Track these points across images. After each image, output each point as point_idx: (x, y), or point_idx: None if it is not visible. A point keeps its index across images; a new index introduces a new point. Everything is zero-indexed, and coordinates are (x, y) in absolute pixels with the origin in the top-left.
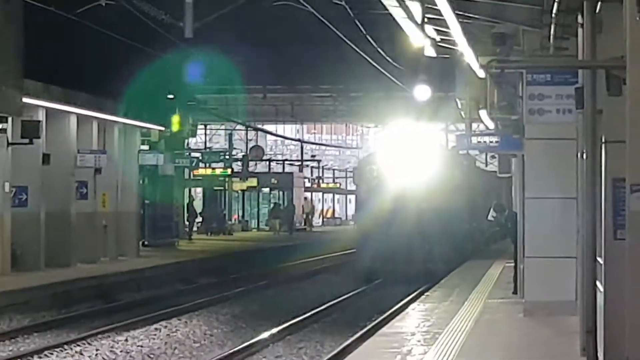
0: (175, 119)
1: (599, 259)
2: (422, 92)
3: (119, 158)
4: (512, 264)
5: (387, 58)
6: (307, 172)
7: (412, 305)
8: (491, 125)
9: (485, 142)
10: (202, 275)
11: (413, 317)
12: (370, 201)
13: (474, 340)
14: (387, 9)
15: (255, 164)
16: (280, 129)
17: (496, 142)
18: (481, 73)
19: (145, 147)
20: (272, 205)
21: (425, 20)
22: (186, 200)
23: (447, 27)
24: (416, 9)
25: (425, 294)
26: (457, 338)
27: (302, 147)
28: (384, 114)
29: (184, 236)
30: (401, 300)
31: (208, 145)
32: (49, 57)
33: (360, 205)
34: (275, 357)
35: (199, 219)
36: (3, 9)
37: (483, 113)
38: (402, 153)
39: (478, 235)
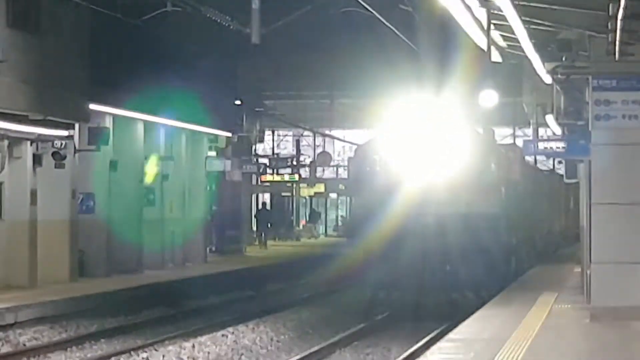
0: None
1: None
2: (489, 97)
3: (186, 164)
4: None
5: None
6: None
7: (479, 312)
8: (558, 130)
9: (551, 147)
10: (269, 281)
11: (480, 323)
12: (370, 205)
13: (541, 345)
14: (453, 15)
15: (323, 170)
16: (348, 134)
17: (563, 147)
18: (547, 79)
19: (213, 153)
20: (309, 210)
21: (492, 26)
22: (254, 206)
23: (513, 33)
24: (482, 15)
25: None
26: (524, 343)
27: None
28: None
29: (252, 242)
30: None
31: (276, 151)
32: (116, 63)
33: (356, 211)
34: None
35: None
36: (71, 17)
37: (550, 118)
38: (416, 138)
39: (526, 249)
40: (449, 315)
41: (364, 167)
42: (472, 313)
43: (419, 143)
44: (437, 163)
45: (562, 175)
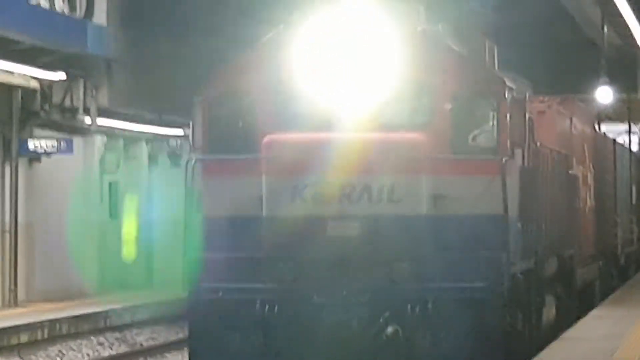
0: None
1: None
2: (605, 94)
3: None
4: None
5: None
6: None
7: (591, 313)
8: None
9: None
10: None
11: (592, 323)
12: (229, 197)
13: None
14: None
15: None
16: None
17: None
18: None
19: None
20: None
21: (605, 22)
22: None
23: (628, 29)
24: (596, 12)
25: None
26: None
27: None
28: None
29: None
30: None
31: None
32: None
33: (211, 212)
34: None
35: None
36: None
37: None
38: (325, 56)
39: (597, 270)
40: None
41: (220, 122)
42: None
43: (332, 67)
44: (366, 108)
45: None
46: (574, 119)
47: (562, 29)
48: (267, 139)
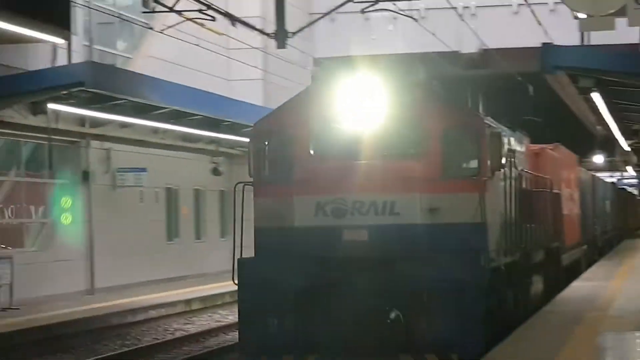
0: None
1: None
2: (598, 158)
3: None
4: None
5: None
6: None
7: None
8: (633, 173)
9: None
10: None
11: (579, 288)
12: (271, 214)
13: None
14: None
15: None
16: None
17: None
18: (627, 147)
19: None
20: None
21: (598, 123)
22: None
23: (609, 127)
24: (593, 117)
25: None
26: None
27: None
28: None
29: None
30: None
31: None
32: None
33: (260, 224)
34: None
35: None
36: None
37: (629, 168)
38: (353, 103)
39: (569, 259)
40: None
41: (265, 154)
42: None
43: (352, 113)
44: (375, 142)
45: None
46: (562, 159)
47: (573, 125)
48: (297, 168)
